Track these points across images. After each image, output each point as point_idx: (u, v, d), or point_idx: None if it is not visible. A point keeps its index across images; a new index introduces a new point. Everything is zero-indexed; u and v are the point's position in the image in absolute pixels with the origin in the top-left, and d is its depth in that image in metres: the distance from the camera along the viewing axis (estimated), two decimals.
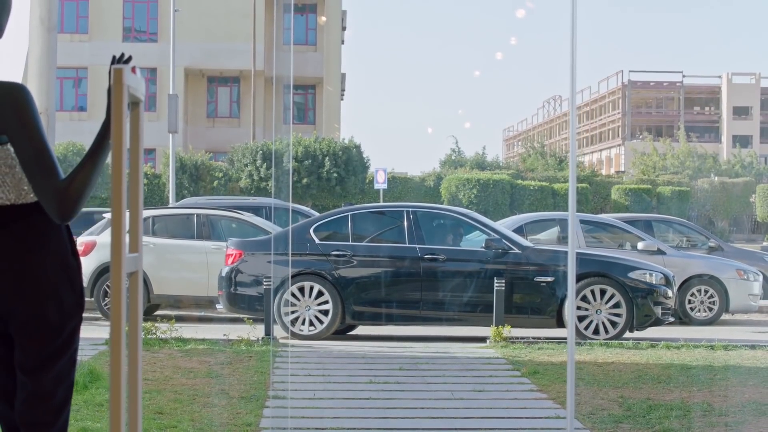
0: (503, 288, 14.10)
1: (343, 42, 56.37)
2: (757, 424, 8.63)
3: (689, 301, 17.94)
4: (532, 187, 43.64)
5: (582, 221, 19.01)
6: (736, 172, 65.85)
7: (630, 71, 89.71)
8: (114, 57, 3.71)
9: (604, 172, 76.51)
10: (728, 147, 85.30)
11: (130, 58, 3.70)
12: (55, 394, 3.90)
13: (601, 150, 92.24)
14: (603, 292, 14.45)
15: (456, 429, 8.59)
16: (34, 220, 3.89)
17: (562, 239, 18.55)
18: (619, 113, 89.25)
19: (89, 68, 50.62)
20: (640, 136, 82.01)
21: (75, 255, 3.97)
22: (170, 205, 22.96)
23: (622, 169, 77.01)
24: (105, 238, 17.13)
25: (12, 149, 3.83)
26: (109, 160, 3.64)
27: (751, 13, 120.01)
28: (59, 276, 3.90)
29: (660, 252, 18.00)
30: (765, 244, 40.04)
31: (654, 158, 65.56)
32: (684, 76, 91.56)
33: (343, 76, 56.43)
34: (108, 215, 17.18)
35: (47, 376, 3.89)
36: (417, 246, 14.61)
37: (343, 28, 56.40)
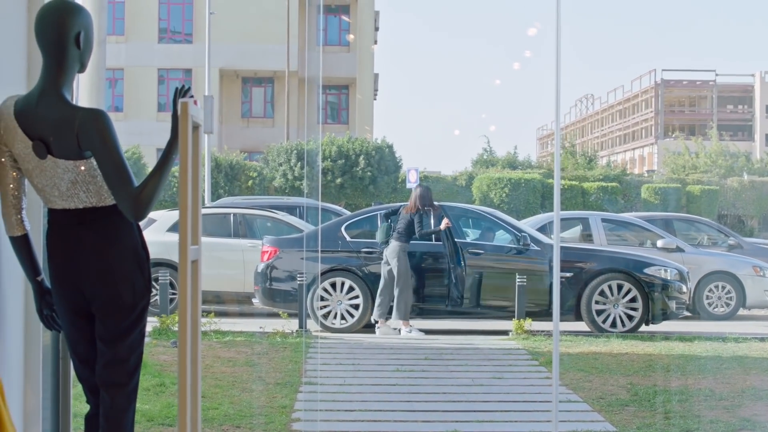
0: (525, 283, 14.81)
1: (375, 42, 56.84)
2: (753, 408, 9.32)
3: (707, 296, 18.55)
4: (562, 187, 43.98)
5: (604, 220, 19.70)
6: None
7: (663, 70, 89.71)
8: (176, 89, 4.52)
9: (636, 171, 76.78)
10: (761, 145, 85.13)
11: (189, 89, 4.50)
12: (129, 360, 4.76)
13: (633, 149, 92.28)
14: (620, 287, 15.14)
15: (475, 411, 9.27)
16: (111, 219, 4.69)
17: (585, 237, 19.24)
18: (651, 112, 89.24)
19: (125, 69, 51.21)
20: (673, 135, 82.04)
21: (144, 247, 4.81)
22: (207, 205, 23.61)
23: (655, 168, 77.15)
24: (149, 235, 17.83)
25: (95, 162, 4.61)
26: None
27: None
28: (132, 264, 4.72)
29: (679, 249, 18.64)
30: None
31: (685, 157, 65.69)
32: (717, 75, 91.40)
33: (376, 76, 56.84)
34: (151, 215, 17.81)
35: (122, 345, 4.73)
36: (444, 243, 15.29)
37: (376, 29, 56.83)
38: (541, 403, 9.60)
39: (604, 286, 15.13)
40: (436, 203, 15.46)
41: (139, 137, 44.83)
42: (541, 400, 9.77)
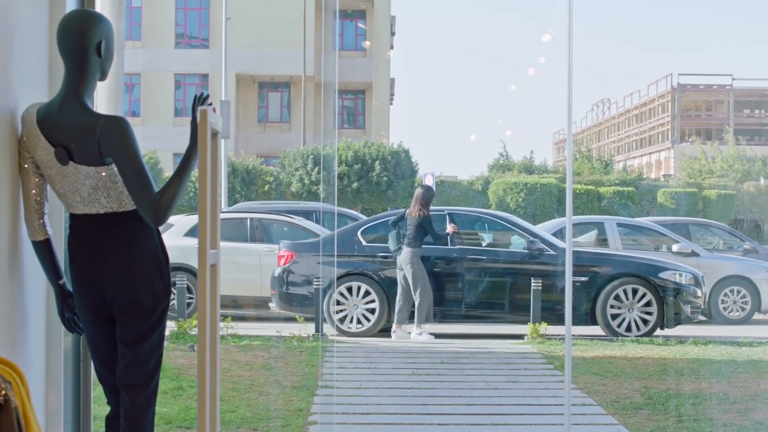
0: (540, 288, 14.88)
1: (392, 47, 56.93)
2: (766, 411, 9.38)
3: (722, 301, 18.60)
4: (578, 191, 43.96)
5: (620, 224, 19.76)
6: None
7: (679, 74, 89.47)
8: (195, 97, 4.61)
9: (653, 175, 76.65)
10: None
11: (208, 96, 4.60)
12: (149, 362, 4.85)
13: (650, 153, 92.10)
14: (635, 292, 15.19)
15: (490, 414, 9.35)
16: (132, 224, 4.79)
17: (601, 242, 19.30)
18: (668, 116, 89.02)
19: (142, 74, 51.34)
20: (689, 140, 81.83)
21: (164, 252, 4.89)
22: (224, 210, 23.71)
23: (671, 172, 77.03)
24: (166, 240, 17.87)
25: (116, 168, 4.71)
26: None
27: None
28: (152, 269, 4.81)
29: (694, 254, 18.69)
30: None
31: (702, 161, 65.57)
32: (734, 79, 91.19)
33: (392, 80, 56.88)
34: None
35: (142, 348, 4.82)
36: (459, 247, 15.36)
37: (392, 34, 56.90)
38: (555, 407, 9.67)
39: (619, 291, 15.18)
40: (439, 208, 15.56)
41: (156, 142, 44.96)
42: (555, 403, 9.83)
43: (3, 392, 3.02)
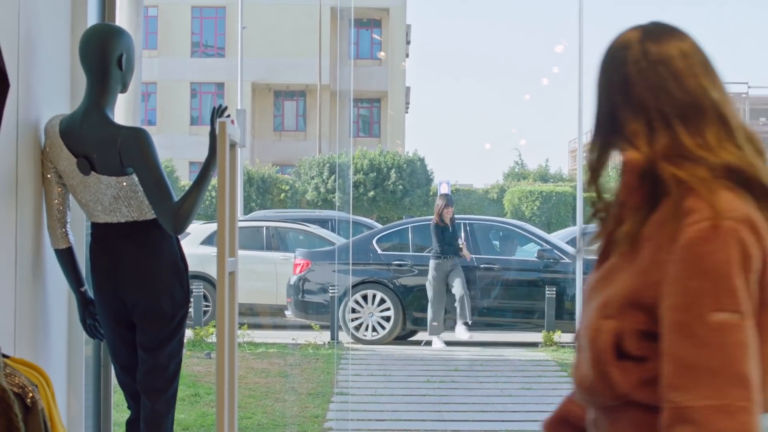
0: (554, 295, 14.95)
1: (407, 56, 56.98)
2: None
3: None
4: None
5: None
6: None
7: None
8: (214, 109, 4.73)
9: None
10: None
11: (226, 108, 4.71)
12: (168, 367, 4.95)
13: None
14: None
15: (503, 421, 9.44)
16: (152, 232, 4.90)
17: None
18: None
19: (158, 83, 51.43)
20: None
21: (183, 259, 5.00)
22: (240, 218, 23.75)
23: None
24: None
25: (136, 178, 4.82)
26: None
27: None
28: (171, 276, 4.92)
29: None
30: None
31: None
32: (749, 87, 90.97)
33: (408, 89, 56.91)
34: None
35: (162, 353, 4.92)
36: (473, 256, 15.45)
37: (408, 42, 56.97)
38: None
39: None
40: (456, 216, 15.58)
41: (172, 150, 45.09)
42: None
43: (30, 394, 3.13)
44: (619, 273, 2.23)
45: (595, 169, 2.37)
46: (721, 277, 2.06)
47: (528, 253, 15.97)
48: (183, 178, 41.78)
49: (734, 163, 2.20)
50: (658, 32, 2.31)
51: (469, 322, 14.95)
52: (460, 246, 15.13)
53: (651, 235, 2.17)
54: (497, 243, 16.53)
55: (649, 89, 2.24)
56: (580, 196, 7.02)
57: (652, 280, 2.14)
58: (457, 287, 14.82)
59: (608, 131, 2.32)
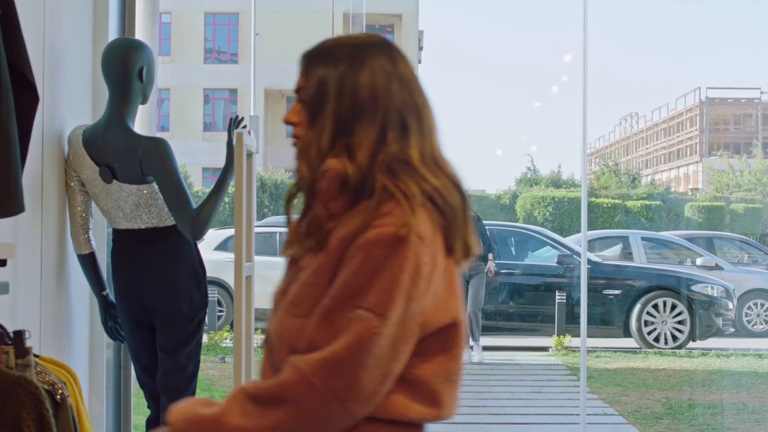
0: (564, 300, 15.10)
1: (420, 62, 57.11)
2: None
3: (746, 314, 18.78)
4: (605, 205, 43.97)
5: (644, 238, 19.96)
6: None
7: (707, 88, 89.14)
8: (231, 119, 4.93)
9: (681, 189, 76.56)
10: None
11: (242, 119, 4.91)
12: (187, 368, 5.15)
13: (678, 167, 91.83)
14: (669, 305, 15.38)
15: (513, 424, 9.61)
16: (171, 238, 5.09)
17: (626, 255, 19.50)
18: (696, 130, 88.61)
19: (171, 89, 51.55)
20: (717, 153, 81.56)
21: (201, 264, 5.20)
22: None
23: (700, 186, 76.82)
24: None
25: (156, 186, 5.01)
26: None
27: None
28: (189, 280, 5.12)
29: (718, 267, 18.88)
30: None
31: (729, 175, 65.36)
32: (762, 93, 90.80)
33: None
34: None
35: (181, 354, 5.12)
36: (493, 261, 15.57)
37: (420, 48, 57.10)
38: (576, 416, 9.89)
39: (653, 303, 15.37)
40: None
41: (185, 156, 45.20)
42: (577, 413, 10.06)
43: (60, 391, 3.31)
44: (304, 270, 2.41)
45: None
46: (382, 281, 2.22)
47: (540, 258, 16.13)
48: (196, 184, 41.97)
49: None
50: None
51: (478, 342, 14.99)
52: (489, 259, 14.92)
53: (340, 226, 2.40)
54: (513, 249, 16.68)
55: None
56: (584, 202, 7.15)
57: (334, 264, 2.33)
58: (469, 302, 14.87)
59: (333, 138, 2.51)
